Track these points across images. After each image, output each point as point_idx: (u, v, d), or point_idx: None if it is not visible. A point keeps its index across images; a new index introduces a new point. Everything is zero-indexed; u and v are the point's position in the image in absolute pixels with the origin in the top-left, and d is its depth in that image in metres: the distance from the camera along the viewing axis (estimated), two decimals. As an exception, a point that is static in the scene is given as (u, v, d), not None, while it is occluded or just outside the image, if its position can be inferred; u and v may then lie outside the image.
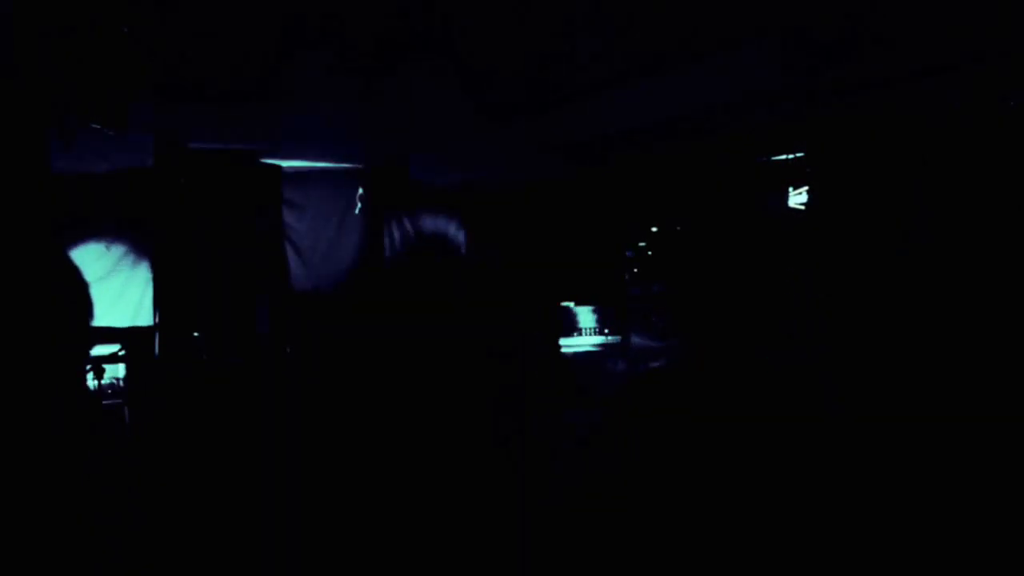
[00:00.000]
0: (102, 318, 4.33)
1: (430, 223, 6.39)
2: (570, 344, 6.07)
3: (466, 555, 3.64)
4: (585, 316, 6.12)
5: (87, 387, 3.91)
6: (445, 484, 4.32)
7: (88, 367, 4.08)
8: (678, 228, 5.79)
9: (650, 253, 5.95)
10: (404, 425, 4.70)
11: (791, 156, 4.76)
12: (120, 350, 4.32)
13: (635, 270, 5.98)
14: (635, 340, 5.90)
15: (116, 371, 4.44)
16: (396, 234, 6.22)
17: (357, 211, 5.96)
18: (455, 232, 6.49)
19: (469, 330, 5.63)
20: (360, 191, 5.96)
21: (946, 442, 3.40)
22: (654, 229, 5.92)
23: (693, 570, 3.35)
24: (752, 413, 3.78)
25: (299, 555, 3.65)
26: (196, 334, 4.87)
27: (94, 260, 4.78)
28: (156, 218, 4.90)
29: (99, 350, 4.26)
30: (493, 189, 6.39)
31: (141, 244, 5.02)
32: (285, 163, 5.52)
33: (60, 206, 4.29)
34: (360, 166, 5.95)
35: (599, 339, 6.09)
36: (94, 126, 2.98)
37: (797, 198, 4.70)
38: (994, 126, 3.71)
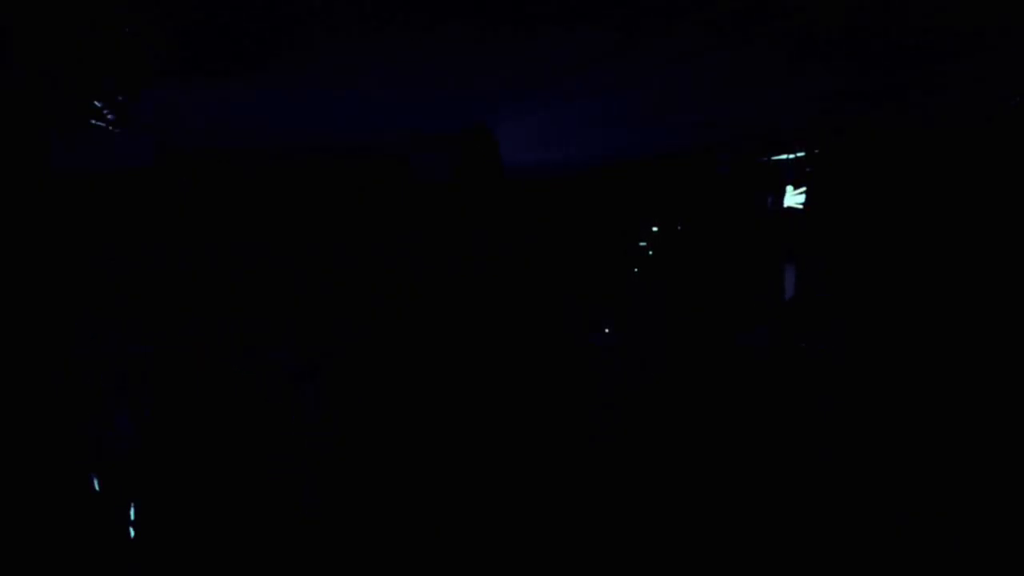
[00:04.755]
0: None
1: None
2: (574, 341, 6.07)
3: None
4: (588, 313, 6.13)
5: (83, 380, 3.92)
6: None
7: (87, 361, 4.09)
8: (679, 228, 5.79)
9: (651, 253, 5.95)
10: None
11: (791, 156, 4.76)
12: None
13: (636, 269, 5.99)
14: (635, 337, 5.91)
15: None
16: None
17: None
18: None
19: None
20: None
21: (943, 441, 3.40)
22: (655, 229, 5.93)
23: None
24: (749, 409, 3.78)
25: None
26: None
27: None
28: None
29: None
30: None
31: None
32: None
33: (61, 205, 4.31)
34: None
35: (601, 335, 6.10)
36: (96, 124, 2.99)
37: (797, 197, 4.70)
38: (994, 126, 3.71)
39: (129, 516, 3.42)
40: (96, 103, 2.82)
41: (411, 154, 5.35)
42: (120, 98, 2.89)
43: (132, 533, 3.32)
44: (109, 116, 2.93)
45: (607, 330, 6.07)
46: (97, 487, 3.19)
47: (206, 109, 3.59)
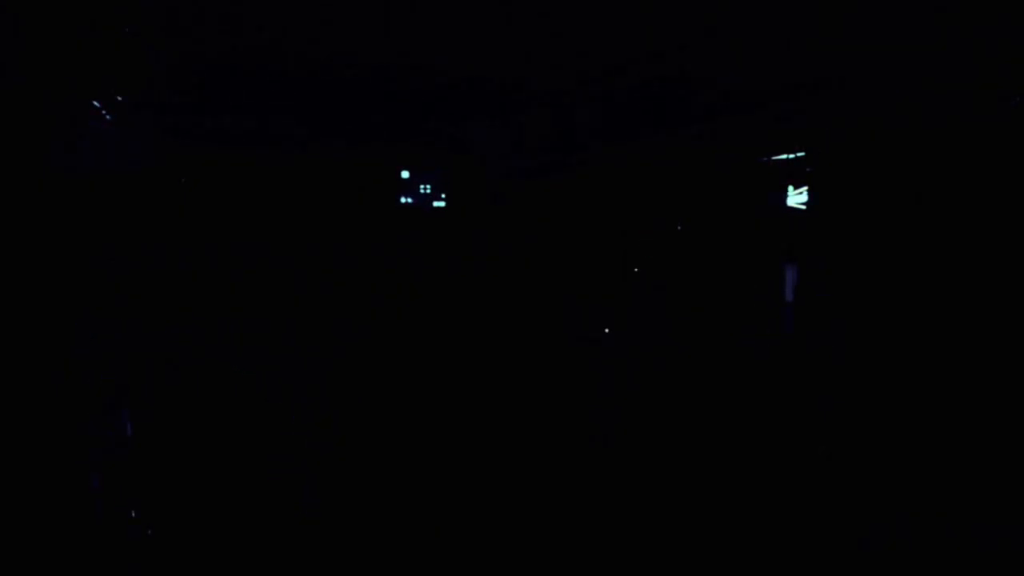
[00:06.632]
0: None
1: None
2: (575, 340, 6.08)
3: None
4: (588, 313, 6.14)
5: (83, 380, 3.92)
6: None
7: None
8: (679, 228, 5.79)
9: (651, 253, 5.95)
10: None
11: (791, 156, 4.75)
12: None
13: (636, 269, 5.99)
14: (636, 337, 5.91)
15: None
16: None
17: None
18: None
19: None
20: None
21: (943, 441, 3.40)
22: (655, 229, 5.93)
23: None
24: (749, 409, 3.78)
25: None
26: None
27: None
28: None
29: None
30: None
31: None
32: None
33: (61, 205, 4.31)
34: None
35: (602, 335, 6.11)
36: (96, 124, 2.99)
37: (797, 198, 4.70)
38: (994, 126, 3.70)
39: (129, 516, 3.42)
40: (96, 103, 2.82)
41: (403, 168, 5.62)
42: (120, 98, 2.89)
43: (132, 533, 3.32)
44: (109, 116, 2.92)
45: (607, 330, 6.07)
46: (97, 487, 3.19)
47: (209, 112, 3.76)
